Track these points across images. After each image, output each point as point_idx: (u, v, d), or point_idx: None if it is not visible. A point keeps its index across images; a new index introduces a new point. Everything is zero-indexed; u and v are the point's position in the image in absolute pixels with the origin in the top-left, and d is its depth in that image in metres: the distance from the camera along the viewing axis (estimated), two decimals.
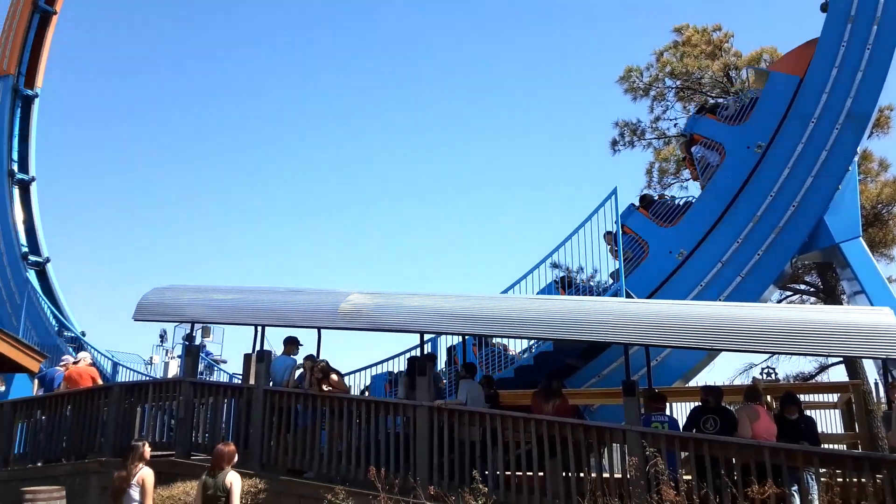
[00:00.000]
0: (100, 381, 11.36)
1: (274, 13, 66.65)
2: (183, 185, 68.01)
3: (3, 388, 12.13)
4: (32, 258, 23.04)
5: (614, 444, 7.79)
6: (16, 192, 23.90)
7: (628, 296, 11.49)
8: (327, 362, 9.43)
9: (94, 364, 13.17)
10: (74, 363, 11.72)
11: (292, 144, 68.06)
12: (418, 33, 68.28)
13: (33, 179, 24.59)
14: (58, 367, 11.94)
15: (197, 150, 66.46)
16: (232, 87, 66.33)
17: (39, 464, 10.44)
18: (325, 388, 9.01)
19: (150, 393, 10.05)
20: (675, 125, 19.07)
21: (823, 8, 12.75)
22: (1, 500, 9.72)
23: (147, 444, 6.96)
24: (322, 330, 10.36)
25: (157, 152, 65.12)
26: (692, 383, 11.85)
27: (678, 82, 18.52)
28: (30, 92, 24.88)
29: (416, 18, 68.18)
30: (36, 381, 12.54)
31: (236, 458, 6.90)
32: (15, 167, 24.02)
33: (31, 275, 22.41)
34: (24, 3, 25.34)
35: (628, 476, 7.17)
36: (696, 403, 8.71)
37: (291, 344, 10.16)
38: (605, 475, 7.73)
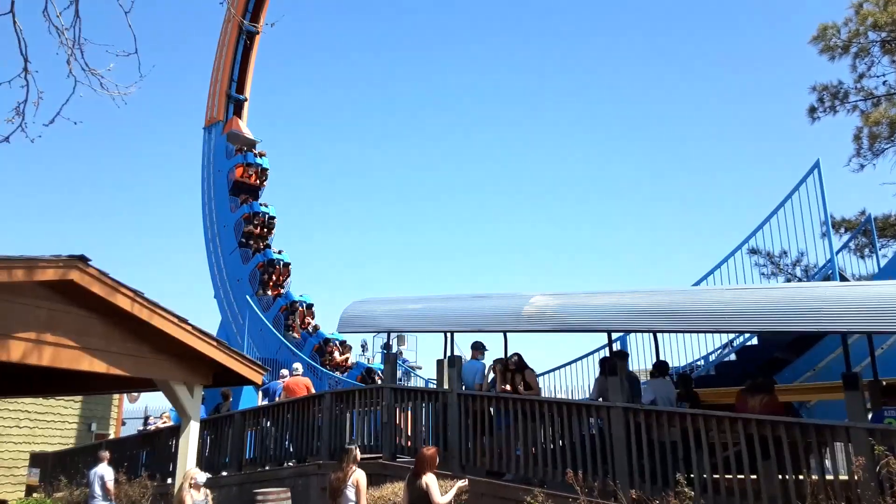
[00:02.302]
0: (313, 391, 12.47)
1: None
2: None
3: (231, 400, 13.76)
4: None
5: (837, 443, 7.00)
6: None
7: (842, 278, 10.29)
8: (520, 356, 9.55)
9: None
10: (292, 374, 13.02)
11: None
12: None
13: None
14: (278, 380, 13.35)
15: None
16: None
17: (267, 467, 11.66)
18: (518, 380, 9.14)
19: (357, 399, 10.81)
20: (883, 83, 16.78)
21: None
22: (237, 500, 10.99)
23: (357, 448, 7.49)
24: (508, 333, 10.50)
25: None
26: None
27: (884, 34, 16.25)
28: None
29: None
30: (260, 392, 14.09)
31: (437, 461, 7.18)
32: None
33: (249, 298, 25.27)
34: (227, 55, 28.72)
35: (855, 478, 6.40)
36: None
37: (477, 348, 10.43)
38: (829, 477, 6.96)
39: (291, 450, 11.44)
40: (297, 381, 12.60)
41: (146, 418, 16.78)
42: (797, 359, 10.83)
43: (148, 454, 13.44)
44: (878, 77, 16.84)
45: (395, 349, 10.91)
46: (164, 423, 14.61)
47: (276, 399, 12.61)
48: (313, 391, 12.39)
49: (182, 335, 8.02)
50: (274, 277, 26.78)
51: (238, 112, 29.53)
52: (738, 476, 7.24)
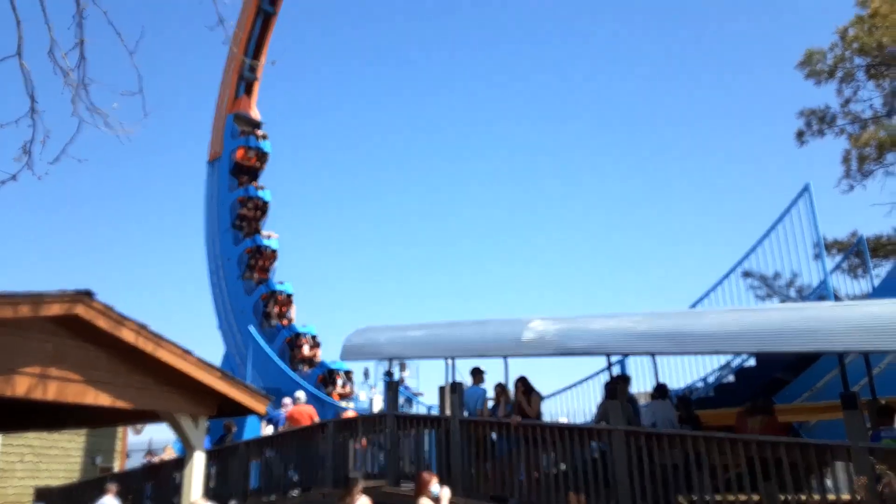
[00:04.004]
0: (317, 419, 12.50)
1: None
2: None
3: (235, 429, 13.76)
4: None
5: (837, 463, 7.08)
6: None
7: (836, 298, 10.44)
8: (525, 379, 9.69)
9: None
10: (295, 403, 13.06)
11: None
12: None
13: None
14: (282, 409, 13.37)
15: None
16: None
17: (273, 497, 11.64)
18: (523, 400, 9.26)
19: (360, 427, 10.86)
20: (870, 107, 17.13)
21: None
22: None
23: (361, 476, 7.56)
24: (508, 358, 10.60)
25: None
26: None
27: (868, 59, 16.63)
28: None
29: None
30: (264, 422, 14.10)
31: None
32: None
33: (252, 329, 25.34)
34: (241, 41, 28.94)
35: (857, 497, 6.48)
36: None
37: (478, 374, 10.54)
38: (830, 497, 7.03)
39: (296, 479, 11.44)
40: (300, 409, 12.63)
41: (148, 452, 16.73)
42: (795, 379, 10.92)
43: (153, 487, 13.41)
44: (864, 101, 17.20)
45: (396, 376, 10.97)
46: (168, 456, 14.59)
47: (280, 428, 12.64)
48: (317, 419, 12.42)
49: (186, 367, 8.11)
50: (261, 262, 27.21)
51: (248, 92, 30.00)
52: (740, 497, 7.31)
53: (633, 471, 7.93)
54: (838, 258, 15.38)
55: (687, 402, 9.91)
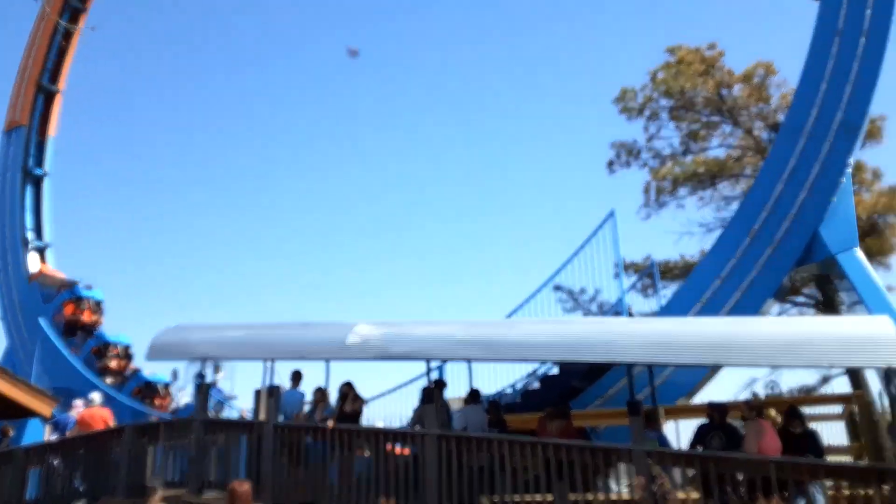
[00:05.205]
0: (112, 423, 11.47)
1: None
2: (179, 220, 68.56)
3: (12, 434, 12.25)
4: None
5: (621, 465, 7.86)
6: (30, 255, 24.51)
7: (630, 315, 11.61)
8: (351, 384, 9.71)
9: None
10: (87, 405, 11.85)
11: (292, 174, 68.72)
12: (403, 52, 69.12)
13: (47, 246, 25.21)
14: (70, 412, 12.08)
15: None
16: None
17: None
18: (347, 404, 9.29)
19: (162, 432, 10.15)
20: (669, 145, 19.32)
21: None
22: None
23: (161, 483, 7.07)
24: (331, 361, 10.50)
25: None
26: (696, 400, 11.91)
27: (672, 102, 18.77)
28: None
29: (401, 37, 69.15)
30: (48, 426, 12.65)
31: (251, 498, 6.96)
32: (29, 235, 24.73)
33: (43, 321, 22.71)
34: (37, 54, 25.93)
35: (635, 496, 7.23)
36: (703, 420, 8.79)
37: (297, 378, 10.35)
38: (613, 496, 7.79)
39: (83, 488, 10.42)
40: (92, 413, 11.48)
41: None
42: (590, 387, 11.96)
43: None
44: (665, 139, 19.36)
45: (210, 378, 10.42)
46: None
47: (68, 432, 11.41)
48: (112, 423, 11.41)
49: None
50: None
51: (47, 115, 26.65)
52: (536, 497, 7.85)
53: (443, 473, 8.20)
54: (634, 278, 17.14)
55: (497, 407, 10.45)
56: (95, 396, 12.46)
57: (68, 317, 23.23)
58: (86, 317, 23.99)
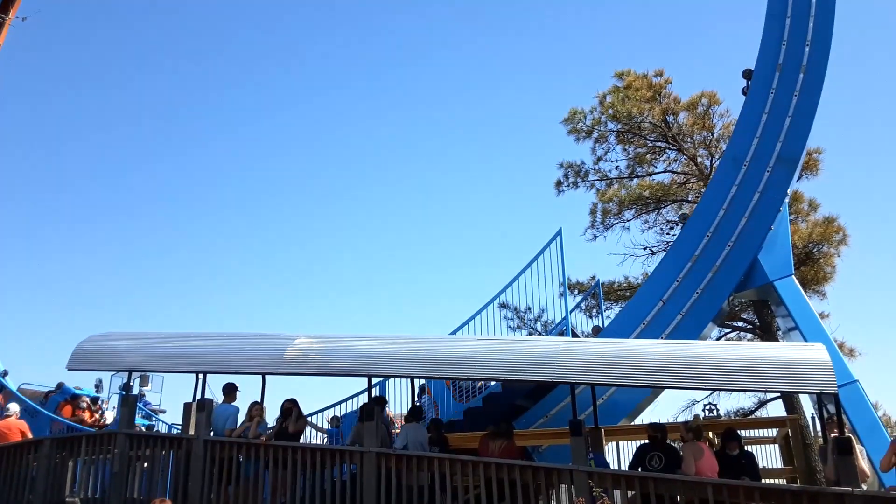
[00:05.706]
0: (30, 435, 10.79)
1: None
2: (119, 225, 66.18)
3: None
4: None
5: (562, 485, 7.79)
6: None
7: (573, 334, 11.63)
8: (295, 401, 9.54)
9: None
10: (3, 417, 11.12)
11: (233, 181, 67.29)
12: (368, 70, 69.04)
13: None
14: None
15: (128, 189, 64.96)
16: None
17: None
18: (291, 424, 9.20)
19: (84, 446, 9.59)
20: (616, 167, 19.65)
21: (746, 75, 13.38)
22: None
23: (78, 501, 6.63)
24: (268, 376, 10.14)
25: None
26: (637, 421, 11.99)
27: (619, 125, 19.12)
28: None
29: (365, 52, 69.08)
30: None
31: None
32: None
33: None
34: None
35: None
36: (643, 441, 8.82)
37: (231, 392, 9.94)
38: None
39: None
40: (8, 424, 10.79)
41: None
42: (533, 406, 11.90)
43: None
44: (612, 162, 19.68)
45: (136, 390, 9.91)
46: None
47: None
48: (30, 436, 10.73)
49: None
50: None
51: None
52: None
53: (382, 492, 7.97)
54: (579, 298, 17.28)
55: (438, 425, 10.28)
56: (13, 407, 11.73)
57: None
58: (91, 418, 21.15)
